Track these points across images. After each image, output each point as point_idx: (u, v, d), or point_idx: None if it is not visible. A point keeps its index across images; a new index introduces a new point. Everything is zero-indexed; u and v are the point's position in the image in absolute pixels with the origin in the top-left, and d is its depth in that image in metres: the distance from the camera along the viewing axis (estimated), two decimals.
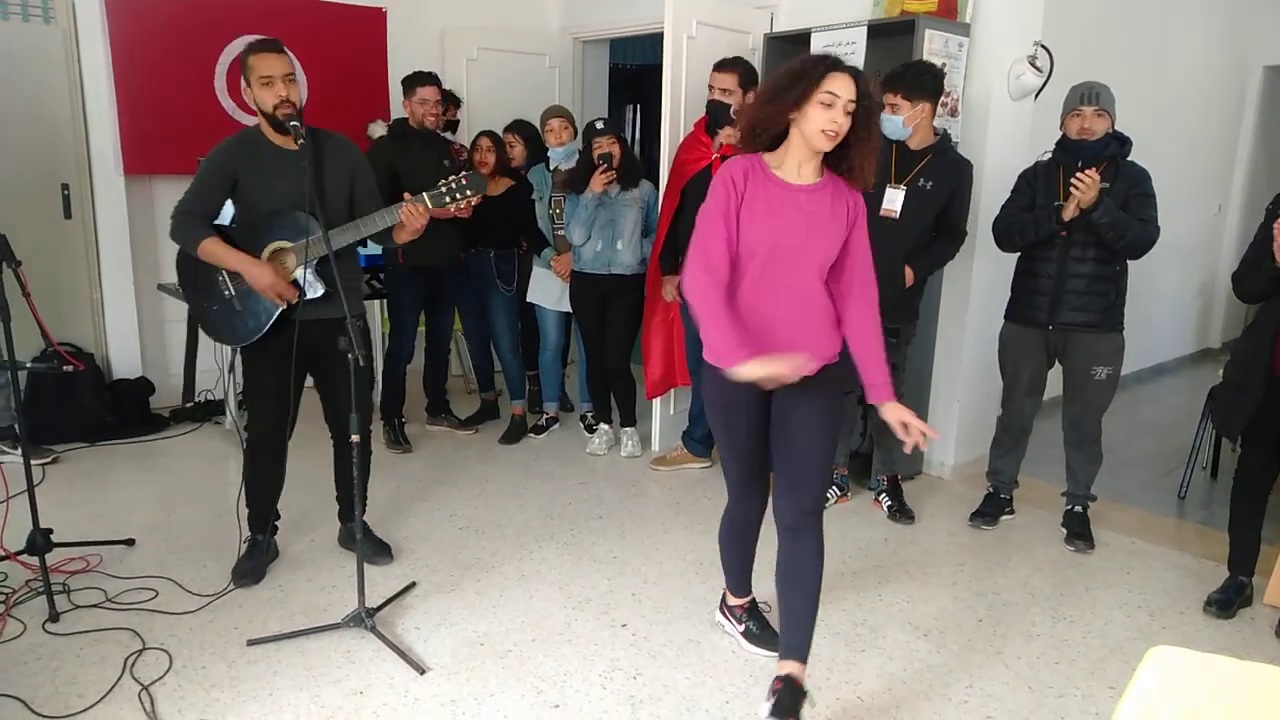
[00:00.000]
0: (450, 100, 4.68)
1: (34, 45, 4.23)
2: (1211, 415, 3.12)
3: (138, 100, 4.43)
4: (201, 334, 2.98)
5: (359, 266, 2.97)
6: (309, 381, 2.96)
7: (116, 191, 4.51)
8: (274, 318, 2.80)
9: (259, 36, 2.83)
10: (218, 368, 4.24)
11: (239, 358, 2.97)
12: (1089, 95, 3.15)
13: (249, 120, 2.92)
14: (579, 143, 4.26)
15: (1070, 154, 3.20)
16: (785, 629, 2.30)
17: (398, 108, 4.44)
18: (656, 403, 4.34)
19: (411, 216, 2.76)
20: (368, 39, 5.10)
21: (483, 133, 4.38)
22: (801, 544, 2.29)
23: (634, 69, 7.22)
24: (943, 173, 3.35)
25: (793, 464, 2.28)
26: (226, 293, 2.83)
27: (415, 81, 4.11)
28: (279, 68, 2.68)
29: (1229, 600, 2.93)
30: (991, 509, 3.62)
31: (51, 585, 2.71)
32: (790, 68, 2.13)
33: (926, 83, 3.28)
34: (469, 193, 2.78)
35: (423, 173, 3.99)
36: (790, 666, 2.25)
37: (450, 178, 2.80)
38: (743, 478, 2.45)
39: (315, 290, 2.78)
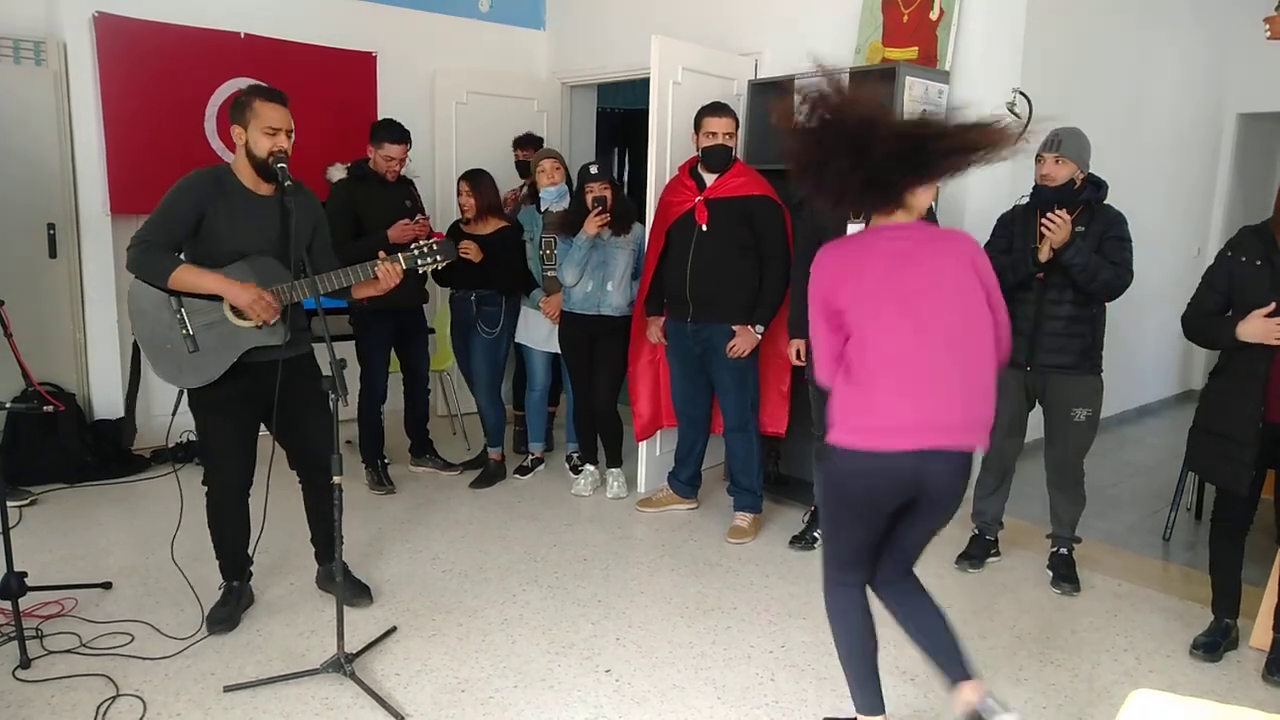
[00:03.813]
0: (531, 142, 4.99)
1: (24, 86, 4.26)
2: (1199, 467, 3.02)
3: (126, 140, 4.46)
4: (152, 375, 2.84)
5: (303, 310, 2.94)
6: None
7: (102, 231, 4.51)
8: (236, 358, 2.73)
9: (258, 82, 2.90)
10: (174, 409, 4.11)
11: (186, 401, 2.83)
12: (1051, 143, 3.21)
13: None
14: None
15: (1043, 198, 3.25)
16: (943, 658, 2.25)
17: None
18: (643, 444, 4.33)
19: (388, 274, 2.81)
20: (358, 82, 5.17)
21: (463, 177, 4.28)
22: (908, 583, 2.31)
23: (621, 113, 7.31)
24: None
25: (914, 535, 2.26)
26: (184, 330, 2.71)
27: (385, 136, 4.05)
28: (285, 121, 2.72)
29: (1214, 643, 2.92)
30: (977, 551, 3.61)
31: (24, 630, 2.65)
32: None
33: None
34: (439, 258, 2.86)
35: (384, 213, 4.00)
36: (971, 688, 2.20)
37: (423, 241, 2.86)
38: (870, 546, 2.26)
39: (283, 335, 2.78)
